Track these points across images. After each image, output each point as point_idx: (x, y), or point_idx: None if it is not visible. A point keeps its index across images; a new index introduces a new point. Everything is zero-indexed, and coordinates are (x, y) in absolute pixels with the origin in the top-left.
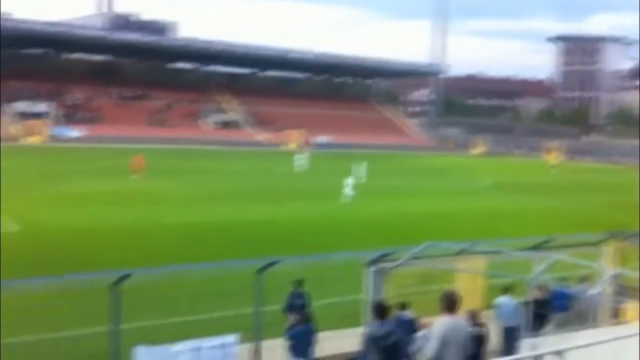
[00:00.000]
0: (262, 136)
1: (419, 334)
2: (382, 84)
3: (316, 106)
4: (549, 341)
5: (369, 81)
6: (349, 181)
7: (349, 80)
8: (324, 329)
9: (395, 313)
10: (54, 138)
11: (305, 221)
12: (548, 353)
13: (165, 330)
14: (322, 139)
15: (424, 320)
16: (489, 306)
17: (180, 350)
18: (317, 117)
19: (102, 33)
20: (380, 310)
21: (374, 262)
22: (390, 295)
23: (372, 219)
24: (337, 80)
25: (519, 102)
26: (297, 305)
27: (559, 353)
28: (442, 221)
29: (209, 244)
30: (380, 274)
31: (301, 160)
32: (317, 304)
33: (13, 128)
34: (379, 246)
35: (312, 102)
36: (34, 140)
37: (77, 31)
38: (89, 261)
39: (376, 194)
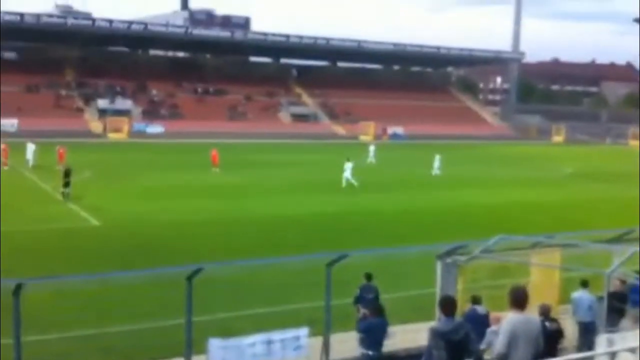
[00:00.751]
0: (338, 128)
1: (490, 329)
2: (459, 72)
3: (392, 97)
4: (625, 337)
5: (446, 70)
6: (348, 165)
7: (427, 69)
8: (397, 323)
9: (467, 307)
10: (136, 134)
11: (380, 213)
12: (623, 350)
13: (240, 322)
14: (399, 129)
15: (495, 315)
16: (565, 300)
17: (252, 342)
18: (393, 107)
19: (181, 30)
20: (447, 305)
21: (446, 255)
22: (461, 289)
23: (449, 210)
24: (414, 69)
25: (604, 87)
26: (368, 298)
27: (633, 350)
28: (522, 212)
29: (286, 237)
30: (451, 267)
31: (372, 152)
32: (391, 297)
33: (97, 125)
34: (455, 238)
35: (388, 93)
36: (116, 136)
37: (158, 28)
38: (170, 253)
39: (453, 184)
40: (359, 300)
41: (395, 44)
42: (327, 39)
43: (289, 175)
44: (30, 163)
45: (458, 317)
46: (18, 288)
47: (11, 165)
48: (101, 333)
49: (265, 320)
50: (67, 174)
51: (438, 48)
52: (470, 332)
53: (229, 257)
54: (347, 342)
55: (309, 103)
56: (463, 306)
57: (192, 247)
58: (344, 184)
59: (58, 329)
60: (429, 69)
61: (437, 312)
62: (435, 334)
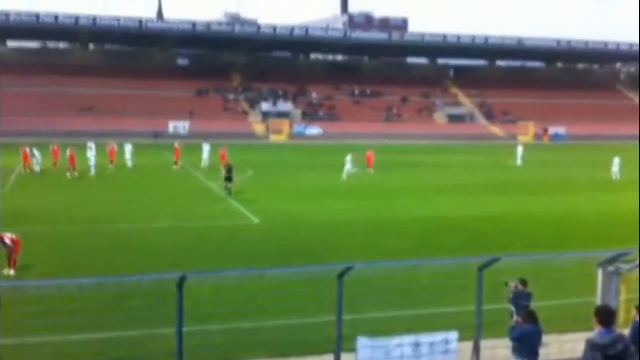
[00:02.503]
0: (496, 129)
1: None
2: (629, 68)
3: (554, 96)
4: None
5: (614, 66)
6: (349, 158)
7: (594, 66)
8: (554, 332)
9: (635, 317)
10: (296, 135)
11: (539, 216)
12: None
13: (389, 322)
14: (561, 130)
15: None
16: None
17: (400, 343)
18: (555, 107)
19: (340, 33)
20: (604, 316)
21: (608, 262)
22: (624, 299)
23: (618, 215)
24: (579, 66)
25: None
26: (522, 305)
27: None
28: None
29: (439, 239)
30: (614, 276)
31: (520, 154)
32: (547, 304)
33: (260, 127)
34: (623, 245)
35: (550, 92)
36: (278, 137)
37: (318, 33)
38: (323, 251)
39: (624, 189)
40: (513, 306)
41: (558, 41)
42: (486, 38)
43: (443, 176)
44: (206, 163)
45: (619, 329)
46: (182, 280)
47: (181, 165)
48: (257, 327)
49: (414, 322)
50: (229, 170)
51: (606, 44)
52: (630, 345)
53: (381, 257)
54: (498, 349)
55: (466, 103)
56: (626, 317)
57: (345, 246)
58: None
59: (217, 321)
60: (595, 66)
61: (594, 322)
62: (591, 346)
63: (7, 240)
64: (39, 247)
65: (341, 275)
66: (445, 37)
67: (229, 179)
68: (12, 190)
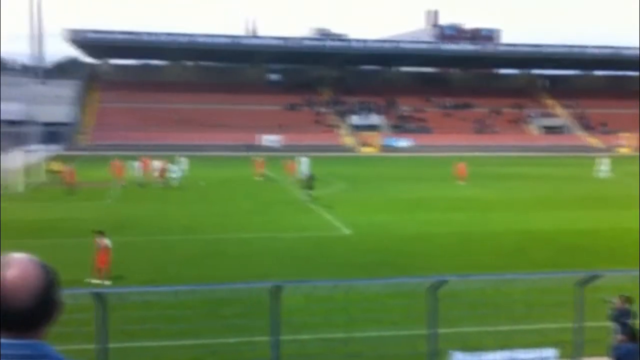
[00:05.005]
0: (593, 140)
1: None
2: None
3: None
4: None
5: None
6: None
7: None
8: None
9: None
10: (386, 148)
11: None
12: None
13: (483, 337)
14: None
15: None
16: None
17: (495, 358)
18: None
19: (430, 45)
20: None
21: None
22: None
23: None
24: None
25: None
26: (624, 322)
27: None
28: None
29: (533, 253)
30: None
31: (605, 166)
32: None
33: (350, 140)
34: None
35: None
36: (368, 150)
37: (408, 46)
38: (414, 264)
39: None
40: (614, 321)
41: None
42: (583, 47)
43: (537, 188)
44: (304, 175)
45: None
46: (276, 290)
47: (266, 176)
48: (349, 338)
49: (509, 337)
50: (310, 179)
51: None
52: None
53: (473, 270)
54: None
55: (561, 114)
56: None
57: (436, 259)
58: None
59: (310, 331)
60: None
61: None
62: None
63: (105, 241)
64: (138, 256)
65: (434, 288)
66: (539, 46)
67: (309, 187)
68: (117, 200)
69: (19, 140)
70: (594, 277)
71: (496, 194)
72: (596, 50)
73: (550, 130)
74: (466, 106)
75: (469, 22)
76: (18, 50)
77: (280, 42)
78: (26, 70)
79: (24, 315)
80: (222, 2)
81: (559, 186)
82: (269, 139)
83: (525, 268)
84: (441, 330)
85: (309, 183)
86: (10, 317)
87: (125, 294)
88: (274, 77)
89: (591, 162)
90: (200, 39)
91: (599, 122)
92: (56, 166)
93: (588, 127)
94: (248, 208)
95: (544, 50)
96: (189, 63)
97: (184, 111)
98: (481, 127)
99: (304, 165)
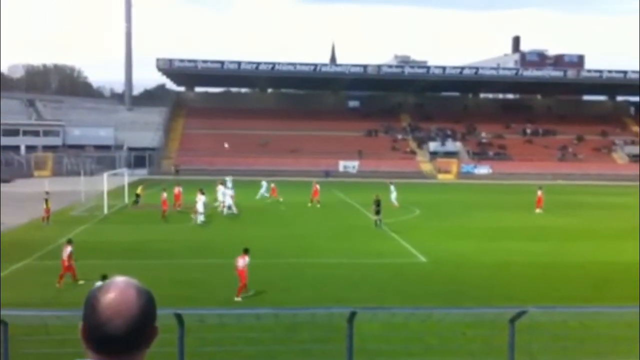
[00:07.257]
0: None
1: None
2: None
3: None
4: None
5: None
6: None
7: None
8: None
9: None
10: (464, 175)
11: None
12: None
13: None
14: None
15: None
16: None
17: None
18: None
19: (511, 72)
20: None
21: None
22: None
23: None
24: None
25: None
26: None
27: None
28: None
29: (616, 284)
30: None
31: None
32: None
33: (427, 166)
34: None
35: None
36: (445, 177)
37: (488, 72)
38: (491, 293)
39: None
40: None
41: None
42: None
43: (622, 218)
44: (395, 203)
45: None
46: (352, 316)
47: (322, 202)
48: None
49: None
50: (377, 204)
51: None
52: None
53: (553, 301)
54: None
55: None
56: None
57: (515, 289)
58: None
59: (386, 358)
60: None
61: None
62: None
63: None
64: (219, 278)
65: (513, 320)
66: (625, 72)
67: (377, 212)
68: (203, 224)
69: (108, 164)
70: None
71: (578, 223)
72: None
73: (637, 158)
74: (549, 133)
75: (553, 49)
76: (113, 78)
77: (360, 70)
78: (116, 98)
79: (118, 340)
80: (306, 33)
81: None
82: (347, 165)
83: (610, 301)
84: None
85: (378, 208)
86: (105, 341)
87: (205, 316)
88: (353, 103)
89: None
90: (282, 67)
91: None
92: (140, 190)
93: None
94: (327, 233)
95: (629, 76)
96: (271, 90)
97: (265, 137)
98: (564, 155)
99: (393, 194)
